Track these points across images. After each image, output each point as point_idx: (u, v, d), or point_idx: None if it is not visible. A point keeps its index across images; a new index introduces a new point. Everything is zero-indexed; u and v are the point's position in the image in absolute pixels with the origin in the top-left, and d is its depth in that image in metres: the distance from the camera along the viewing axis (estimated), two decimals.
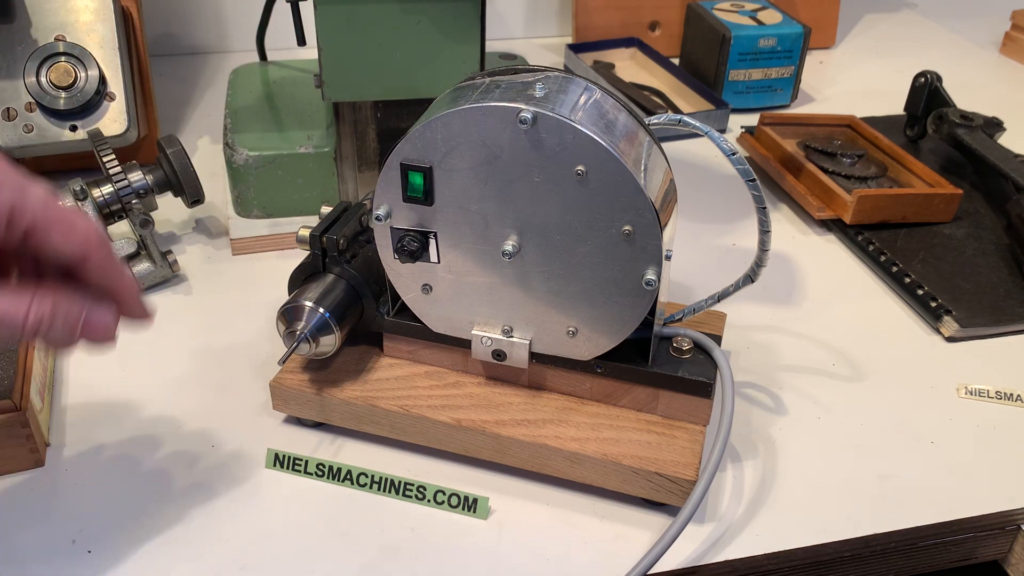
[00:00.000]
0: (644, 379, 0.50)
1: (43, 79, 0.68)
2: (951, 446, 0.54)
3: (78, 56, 0.69)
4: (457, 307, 0.50)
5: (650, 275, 0.45)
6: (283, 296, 0.52)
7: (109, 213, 0.65)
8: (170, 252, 0.66)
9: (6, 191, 0.36)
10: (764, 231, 0.48)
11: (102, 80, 0.70)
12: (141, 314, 0.41)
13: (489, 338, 0.51)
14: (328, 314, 0.50)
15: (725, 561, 0.47)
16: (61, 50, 0.68)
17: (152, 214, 0.65)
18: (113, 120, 0.70)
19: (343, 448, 0.53)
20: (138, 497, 0.49)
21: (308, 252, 0.53)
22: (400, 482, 0.50)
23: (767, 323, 0.64)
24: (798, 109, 0.99)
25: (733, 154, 0.46)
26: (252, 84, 0.81)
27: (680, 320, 0.53)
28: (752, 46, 0.95)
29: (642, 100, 0.95)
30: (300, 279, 0.53)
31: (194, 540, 0.47)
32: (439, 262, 0.49)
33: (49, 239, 0.37)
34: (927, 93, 0.86)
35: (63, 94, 0.68)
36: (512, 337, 0.50)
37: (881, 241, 0.72)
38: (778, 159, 0.82)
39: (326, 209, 0.55)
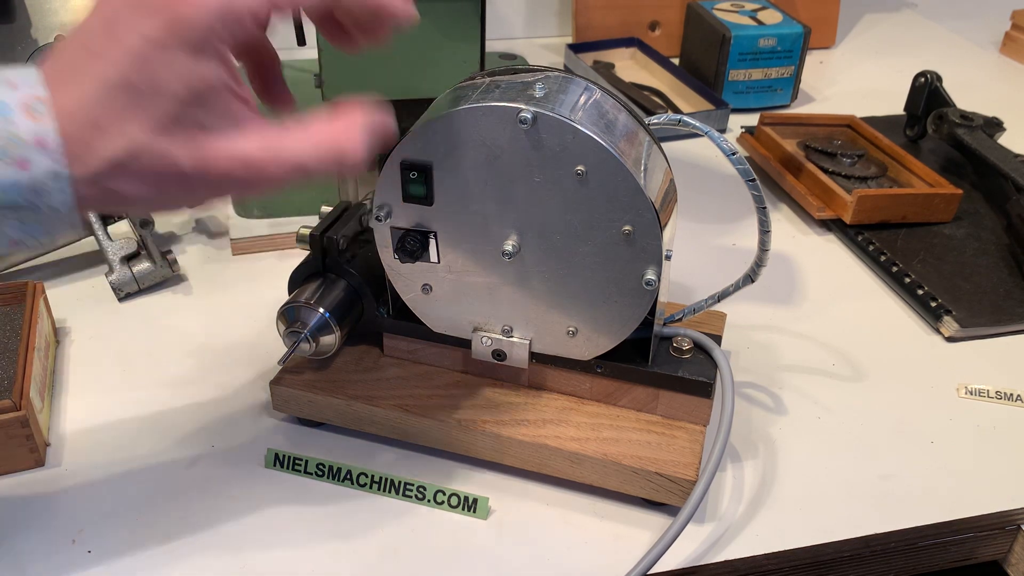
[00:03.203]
0: (644, 379, 0.50)
1: None
2: (951, 446, 0.54)
3: None
4: (457, 307, 0.50)
5: (650, 275, 0.45)
6: (283, 296, 0.52)
7: (109, 213, 0.65)
8: (170, 252, 0.66)
9: None
10: (764, 231, 0.48)
11: None
12: (408, 10, 0.40)
13: (489, 338, 0.51)
14: (328, 314, 0.50)
15: (725, 561, 0.47)
16: None
17: (152, 214, 0.65)
18: None
19: (343, 448, 0.53)
20: (138, 497, 0.49)
21: (308, 252, 0.53)
22: (400, 482, 0.50)
23: (767, 323, 0.64)
24: (798, 109, 0.99)
25: (733, 154, 0.46)
26: None
27: (680, 320, 0.53)
28: (752, 46, 0.95)
29: (642, 100, 0.95)
30: (300, 279, 0.53)
31: (194, 540, 0.47)
32: (439, 262, 0.49)
33: None
34: (927, 93, 0.86)
35: None
36: (512, 337, 0.50)
37: (881, 241, 0.72)
38: (778, 159, 0.82)
39: (326, 209, 0.55)
